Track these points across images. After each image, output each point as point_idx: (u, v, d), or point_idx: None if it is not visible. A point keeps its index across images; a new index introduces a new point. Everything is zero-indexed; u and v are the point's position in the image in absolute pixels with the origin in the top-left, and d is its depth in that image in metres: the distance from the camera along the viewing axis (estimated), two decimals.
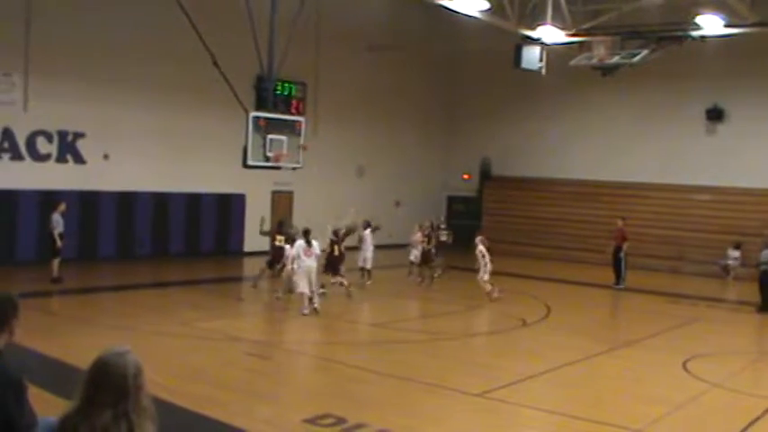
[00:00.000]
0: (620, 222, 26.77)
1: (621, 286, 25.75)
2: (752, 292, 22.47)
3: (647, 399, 12.73)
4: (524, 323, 19.01)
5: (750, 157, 32.06)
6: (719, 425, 11.63)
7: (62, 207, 21.88)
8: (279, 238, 21.74)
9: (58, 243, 21.49)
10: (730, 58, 30.34)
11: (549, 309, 21.22)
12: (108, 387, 3.83)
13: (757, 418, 11.62)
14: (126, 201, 27.22)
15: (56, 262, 21.38)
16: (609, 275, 26.30)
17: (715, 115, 33.31)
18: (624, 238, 26.21)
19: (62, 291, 20.41)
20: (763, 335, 14.67)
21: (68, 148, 25.84)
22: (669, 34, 27.66)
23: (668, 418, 11.67)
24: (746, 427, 11.14)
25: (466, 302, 21.37)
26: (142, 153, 27.33)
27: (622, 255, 26.05)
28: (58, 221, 21.59)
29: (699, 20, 25.78)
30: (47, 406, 5.45)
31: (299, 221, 31.30)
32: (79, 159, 26.08)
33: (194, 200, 29.27)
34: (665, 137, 34.25)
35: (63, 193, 25.19)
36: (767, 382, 13.62)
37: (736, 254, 30.19)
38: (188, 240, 29.22)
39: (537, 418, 11.74)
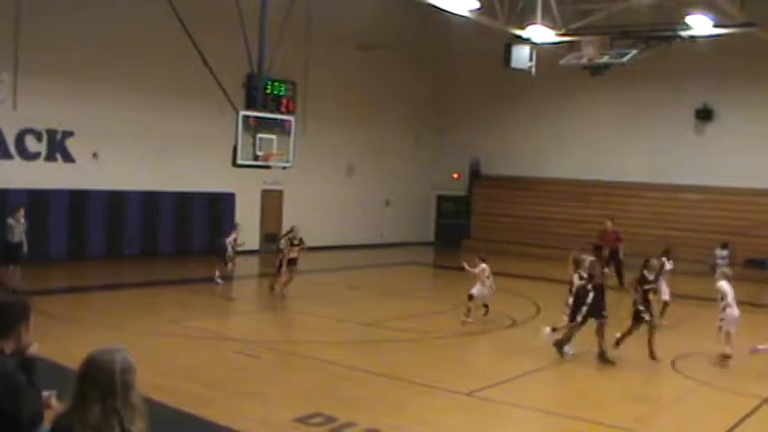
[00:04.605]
0: (609, 224, 26.69)
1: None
2: (739, 291, 22.52)
3: (636, 397, 12.78)
4: (514, 322, 19.05)
5: (738, 156, 32.17)
6: (708, 423, 11.67)
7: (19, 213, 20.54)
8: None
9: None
10: (720, 59, 30.41)
11: (538, 308, 21.25)
12: (95, 382, 3.86)
13: (746, 417, 11.68)
14: (115, 200, 27.16)
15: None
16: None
17: (704, 115, 33.44)
18: (619, 240, 26.14)
19: (51, 290, 20.32)
20: (752, 333, 14.73)
21: (57, 147, 25.80)
22: (658, 34, 27.68)
23: (656, 416, 11.72)
24: (735, 426, 11.19)
25: (454, 301, 21.37)
26: (131, 152, 27.28)
27: (622, 257, 25.93)
28: (11, 227, 20.26)
29: (688, 20, 25.82)
30: None
31: (288, 221, 31.45)
32: (68, 158, 26.03)
33: (184, 199, 29.23)
34: (655, 136, 34.35)
35: (52, 192, 25.20)
36: (756, 380, 13.66)
37: (724, 253, 30.20)
38: (178, 239, 29.18)
39: (526, 417, 11.79)
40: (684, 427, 11.50)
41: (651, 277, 15.41)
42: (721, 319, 14.73)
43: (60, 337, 14.37)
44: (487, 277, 18.42)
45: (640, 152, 34.68)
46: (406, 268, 30.86)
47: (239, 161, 20.74)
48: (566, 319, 15.79)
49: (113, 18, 25.87)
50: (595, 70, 29.34)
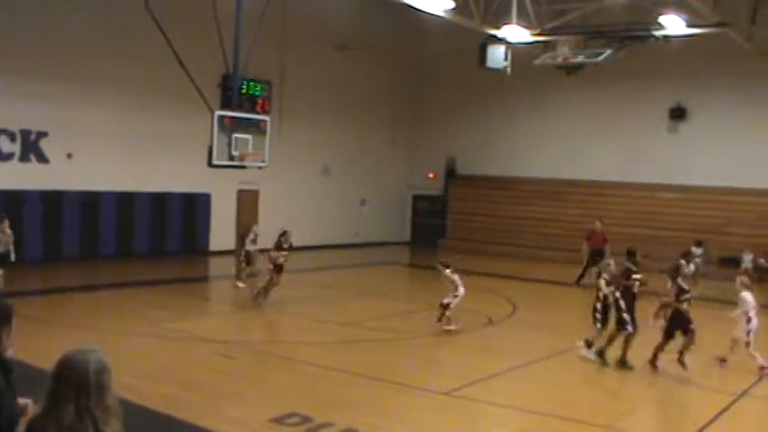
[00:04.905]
0: (598, 224, 26.76)
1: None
2: (714, 289, 22.77)
3: (612, 394, 12.88)
4: (490, 321, 19.10)
5: (711, 155, 32.43)
6: (685, 420, 11.80)
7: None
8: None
9: None
10: (693, 58, 30.65)
11: (514, 307, 21.33)
12: (68, 382, 3.85)
13: (721, 412, 11.81)
14: (90, 200, 27.00)
15: None
16: (574, 274, 26.40)
17: (678, 114, 33.69)
18: (605, 240, 26.23)
19: (26, 292, 20.14)
20: (729, 332, 14.81)
21: (31, 148, 25.57)
22: (632, 34, 27.86)
23: (634, 413, 11.81)
24: (710, 422, 11.29)
25: (430, 301, 21.43)
26: (106, 152, 27.14)
27: (607, 258, 25.97)
28: None
29: (662, 20, 26.00)
30: None
31: (264, 221, 31.45)
32: (42, 159, 25.82)
33: (159, 199, 29.12)
34: (629, 136, 34.56)
35: (26, 192, 25.02)
36: (732, 377, 13.78)
37: (699, 251, 30.43)
38: (153, 240, 29.07)
39: (504, 415, 11.81)
40: (662, 423, 11.60)
41: (687, 287, 14.31)
42: (748, 333, 14.22)
43: (36, 339, 14.29)
44: (451, 282, 17.50)
45: (614, 151, 34.89)
46: (383, 268, 30.89)
47: (215, 161, 20.68)
48: (598, 327, 15.18)
49: (87, 19, 25.73)
50: (570, 70, 29.52)
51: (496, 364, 14.75)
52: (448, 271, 17.62)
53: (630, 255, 15.46)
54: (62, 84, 25.43)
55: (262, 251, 21.68)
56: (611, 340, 14.73)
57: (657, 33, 27.06)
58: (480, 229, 37.21)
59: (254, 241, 22.55)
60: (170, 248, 29.50)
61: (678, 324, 14.02)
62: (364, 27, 35.19)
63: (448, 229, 39.19)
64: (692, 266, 18.03)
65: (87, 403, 3.84)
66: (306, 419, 10.46)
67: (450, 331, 17.26)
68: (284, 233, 20.76)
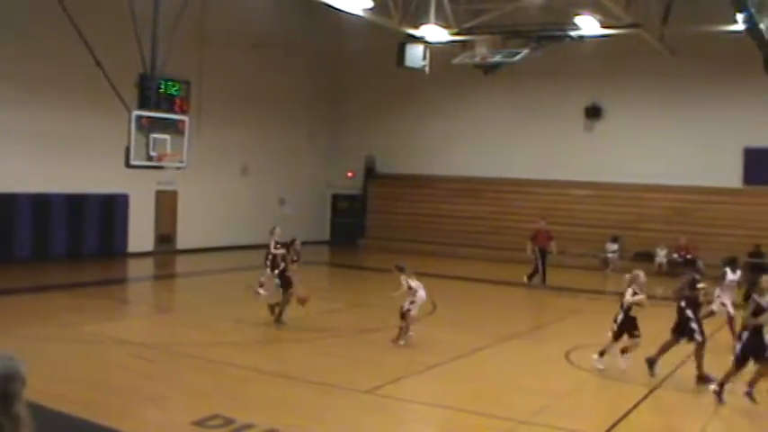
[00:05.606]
0: (542, 223, 27.05)
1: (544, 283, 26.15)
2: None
3: (531, 390, 13.04)
4: None
5: (626, 153, 33.10)
6: (601, 413, 12.00)
7: None
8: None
9: None
10: (607, 58, 31.25)
11: (434, 305, 21.44)
12: None
13: (637, 405, 12.09)
14: (4, 203, 26.41)
15: None
16: (493, 271, 26.74)
17: (593, 113, 34.28)
18: (551, 238, 26.57)
19: None
20: (642, 325, 15.07)
21: None
22: (549, 34, 28.33)
23: (552, 408, 11.97)
24: (626, 414, 11.56)
25: (350, 300, 21.49)
26: (20, 153, 26.53)
27: (554, 253, 26.46)
28: None
29: (577, 20, 26.45)
30: None
31: (183, 221, 31.15)
32: None
33: (76, 201, 28.57)
34: (546, 134, 35.06)
35: None
36: (646, 369, 14.06)
37: (615, 247, 31.18)
38: (70, 242, 28.51)
39: (424, 412, 11.92)
40: (580, 417, 11.79)
41: (765, 304, 12.02)
42: None
43: None
44: (409, 288, 16.16)
45: (532, 149, 35.35)
46: (302, 267, 30.79)
47: (132, 162, 20.48)
48: (609, 335, 14.35)
49: None
50: (488, 69, 29.95)
51: (417, 361, 14.86)
52: (403, 277, 16.35)
53: (692, 264, 14.70)
54: None
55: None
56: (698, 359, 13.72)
57: (573, 34, 27.56)
58: (399, 227, 37.39)
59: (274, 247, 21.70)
60: (87, 250, 28.99)
61: (753, 349, 12.10)
62: (283, 26, 35.05)
63: (367, 227, 39.30)
64: (731, 276, 16.80)
65: None
66: (228, 421, 10.42)
67: (403, 342, 16.17)
68: (293, 242, 19.37)
